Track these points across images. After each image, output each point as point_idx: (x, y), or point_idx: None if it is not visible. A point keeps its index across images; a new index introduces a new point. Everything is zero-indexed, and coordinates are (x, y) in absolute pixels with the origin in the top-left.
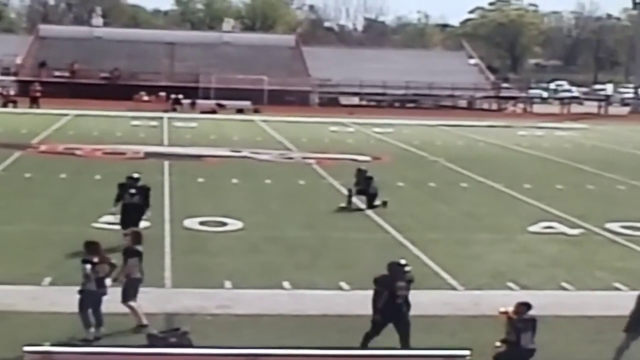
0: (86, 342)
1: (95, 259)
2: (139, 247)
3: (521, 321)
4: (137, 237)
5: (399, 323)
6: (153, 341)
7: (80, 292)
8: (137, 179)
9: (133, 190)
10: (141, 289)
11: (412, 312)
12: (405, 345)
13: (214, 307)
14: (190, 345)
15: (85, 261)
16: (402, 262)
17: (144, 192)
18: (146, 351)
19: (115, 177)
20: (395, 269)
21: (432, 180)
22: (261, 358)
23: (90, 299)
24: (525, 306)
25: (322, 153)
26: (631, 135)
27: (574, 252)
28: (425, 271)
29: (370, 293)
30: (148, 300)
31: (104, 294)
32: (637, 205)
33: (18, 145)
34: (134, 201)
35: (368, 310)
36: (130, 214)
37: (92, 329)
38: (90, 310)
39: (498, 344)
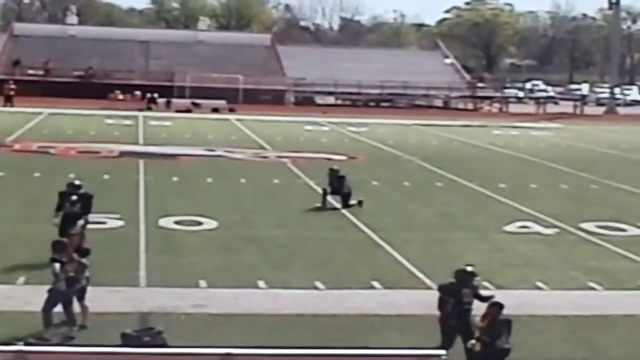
0: (42, 341)
1: (64, 258)
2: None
3: (496, 322)
4: (60, 246)
5: (463, 330)
6: (127, 340)
7: (50, 290)
8: (79, 186)
9: (74, 198)
10: (116, 288)
11: (387, 312)
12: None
13: (188, 306)
14: (165, 345)
15: (53, 260)
16: (469, 269)
17: (86, 200)
18: (120, 350)
19: (90, 176)
20: (462, 276)
21: (407, 179)
22: (236, 357)
23: (59, 298)
24: (497, 306)
25: (297, 152)
26: (606, 135)
27: (549, 251)
28: (400, 271)
29: (345, 292)
30: (123, 299)
31: (74, 293)
32: (611, 204)
33: None
34: (74, 210)
35: (343, 309)
36: (70, 225)
37: (67, 329)
38: (55, 310)
39: (473, 342)
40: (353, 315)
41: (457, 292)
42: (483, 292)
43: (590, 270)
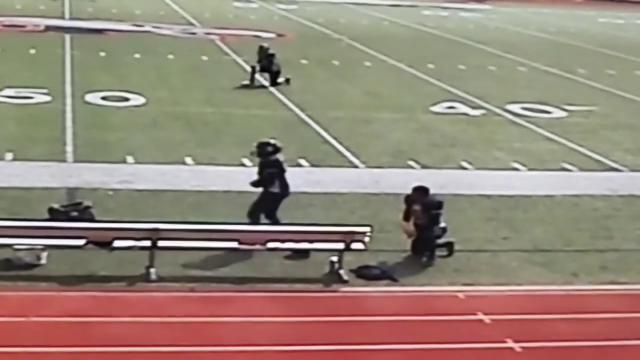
0: None
1: None
2: None
3: (427, 205)
4: None
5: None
6: (55, 215)
7: None
8: None
9: None
10: (42, 163)
11: (313, 189)
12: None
13: (115, 182)
14: (92, 220)
15: None
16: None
17: None
18: (48, 225)
19: (15, 50)
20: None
21: (336, 58)
22: (163, 232)
23: None
24: (422, 190)
25: (226, 29)
26: (534, 18)
27: (474, 132)
28: (327, 149)
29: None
30: (50, 175)
31: None
32: (537, 87)
33: None
34: None
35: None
36: None
37: None
38: None
39: (404, 224)
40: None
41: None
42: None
43: (514, 151)
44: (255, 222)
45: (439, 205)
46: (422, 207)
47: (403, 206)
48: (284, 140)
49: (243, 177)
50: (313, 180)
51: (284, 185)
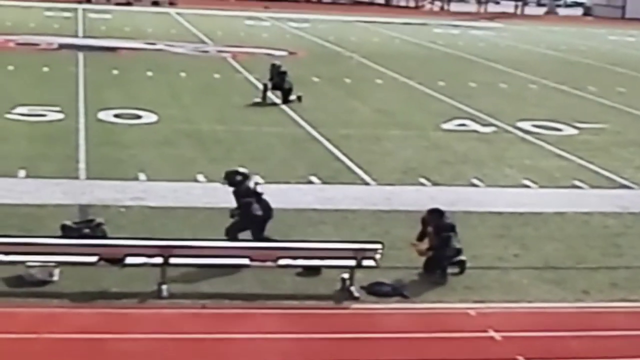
0: None
1: None
2: None
3: (441, 227)
4: None
5: None
6: (67, 232)
7: None
8: None
9: None
10: (55, 181)
11: (324, 206)
12: None
13: (128, 199)
14: (105, 237)
15: None
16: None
17: None
18: (61, 242)
19: (28, 68)
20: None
21: (347, 76)
22: (174, 249)
23: None
24: (436, 213)
25: (238, 47)
26: (545, 36)
27: (485, 149)
28: (338, 166)
29: (283, 187)
30: (62, 192)
31: None
32: (548, 104)
33: None
34: None
35: (281, 203)
36: None
37: None
38: None
39: (416, 243)
40: (291, 209)
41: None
42: None
43: (525, 168)
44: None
45: (450, 227)
46: (435, 229)
47: (414, 223)
48: (296, 158)
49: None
50: (324, 197)
51: (266, 208)
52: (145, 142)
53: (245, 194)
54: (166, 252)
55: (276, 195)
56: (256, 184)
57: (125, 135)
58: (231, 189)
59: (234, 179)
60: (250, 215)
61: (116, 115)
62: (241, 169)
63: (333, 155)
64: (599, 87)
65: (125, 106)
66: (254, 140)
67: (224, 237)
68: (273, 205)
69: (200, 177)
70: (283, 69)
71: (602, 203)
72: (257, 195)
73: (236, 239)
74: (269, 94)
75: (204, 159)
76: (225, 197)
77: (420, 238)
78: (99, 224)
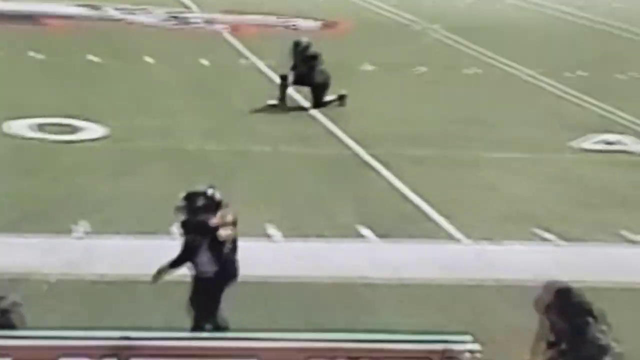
0: None
1: None
2: None
3: (569, 312)
4: None
5: None
6: None
7: None
8: None
9: None
10: None
11: (381, 274)
12: None
13: (59, 265)
14: (21, 326)
15: None
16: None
17: None
18: None
19: None
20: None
21: (419, 61)
22: (136, 348)
23: None
24: (560, 292)
25: (239, 14)
26: None
27: None
28: (404, 209)
29: (315, 245)
30: None
31: None
32: None
33: None
34: None
35: (312, 270)
36: None
37: None
38: None
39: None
40: (325, 280)
41: None
42: None
43: None
44: (198, 322)
45: (586, 311)
46: (560, 314)
47: (527, 306)
48: (334, 195)
49: (268, 255)
50: (381, 260)
51: (228, 262)
52: (87, 170)
53: (198, 229)
54: (123, 352)
55: (304, 258)
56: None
57: (55, 160)
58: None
59: (194, 204)
60: (198, 273)
61: (40, 127)
62: (210, 191)
63: (396, 190)
64: None
65: (53, 113)
66: (267, 167)
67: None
68: (296, 272)
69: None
70: (313, 51)
71: None
72: (216, 241)
73: (203, 321)
74: (291, 91)
75: None
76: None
77: (540, 336)
78: (11, 307)
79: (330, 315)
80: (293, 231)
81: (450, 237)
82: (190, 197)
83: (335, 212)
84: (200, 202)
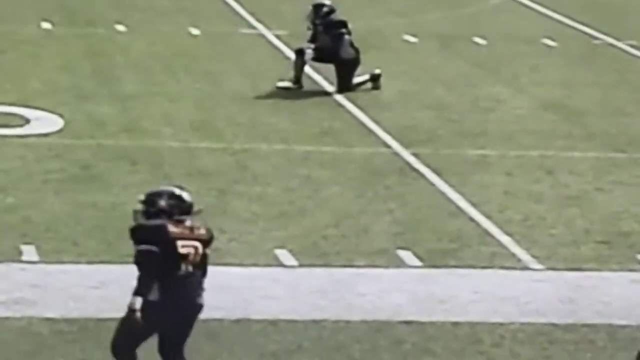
0: None
1: None
2: None
3: None
4: None
5: None
6: None
7: None
8: None
9: None
10: None
11: (430, 316)
12: None
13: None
14: None
15: None
16: None
17: None
18: None
19: None
20: None
21: (477, 30)
22: None
23: None
24: None
25: None
26: None
27: None
28: (461, 227)
29: (339, 273)
30: None
31: None
32: None
33: None
34: None
35: (323, 311)
36: None
37: None
38: None
39: None
40: (357, 325)
41: None
42: None
43: None
44: None
45: None
46: None
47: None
48: (369, 211)
49: (278, 288)
50: (429, 295)
51: (190, 288)
52: (35, 176)
53: (153, 235)
54: None
55: (324, 290)
56: (188, 229)
57: None
58: None
59: (155, 205)
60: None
61: None
62: (177, 191)
63: (447, 202)
64: None
65: None
66: (277, 172)
67: None
68: (314, 310)
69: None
70: (336, 16)
71: None
72: (176, 254)
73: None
74: (309, 69)
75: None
76: (215, 297)
77: None
78: None
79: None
80: (311, 257)
81: (521, 266)
82: (151, 198)
83: (367, 232)
84: (163, 203)
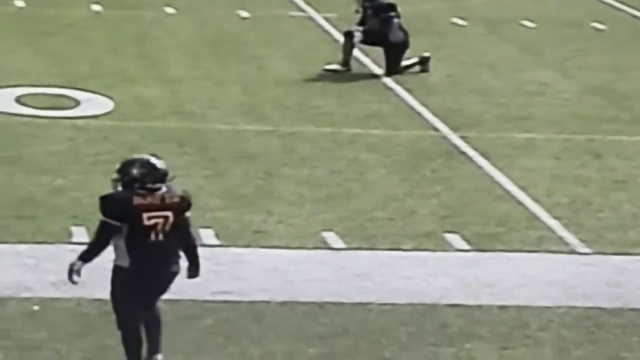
0: None
1: None
2: None
3: None
4: None
5: None
6: None
7: None
8: None
9: None
10: None
11: (477, 300)
12: None
13: (48, 281)
14: None
15: None
16: None
17: None
18: None
19: None
20: None
21: (527, 14)
22: None
23: None
24: None
25: None
26: None
27: None
28: (509, 212)
29: (387, 256)
30: None
31: None
32: None
33: None
34: None
35: (370, 294)
36: None
37: None
38: None
39: None
40: (403, 308)
41: None
42: None
43: None
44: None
45: None
46: None
47: None
48: (419, 195)
49: (325, 270)
50: (474, 278)
51: (160, 256)
52: (85, 157)
53: (113, 209)
54: None
55: (370, 273)
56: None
57: (40, 143)
58: None
59: (128, 174)
60: (116, 265)
61: (17, 100)
62: (152, 160)
63: (496, 186)
64: None
65: (34, 82)
66: (324, 155)
67: None
68: (361, 293)
69: (208, 233)
70: None
71: None
72: (142, 226)
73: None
74: (357, 53)
75: (216, 193)
76: (260, 278)
77: None
78: None
79: (406, 352)
80: (357, 240)
81: (569, 250)
82: (124, 167)
83: (413, 215)
84: (136, 171)
